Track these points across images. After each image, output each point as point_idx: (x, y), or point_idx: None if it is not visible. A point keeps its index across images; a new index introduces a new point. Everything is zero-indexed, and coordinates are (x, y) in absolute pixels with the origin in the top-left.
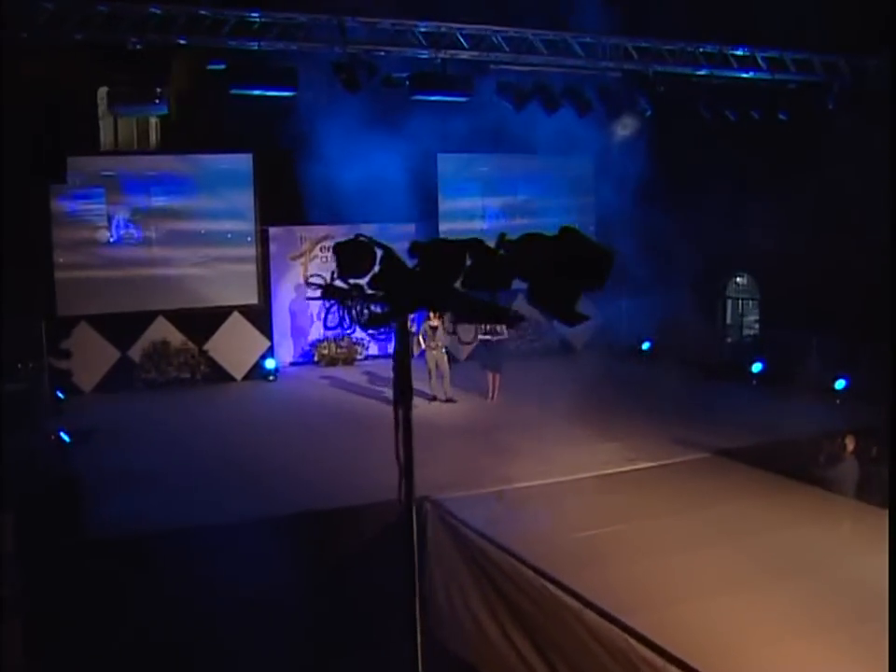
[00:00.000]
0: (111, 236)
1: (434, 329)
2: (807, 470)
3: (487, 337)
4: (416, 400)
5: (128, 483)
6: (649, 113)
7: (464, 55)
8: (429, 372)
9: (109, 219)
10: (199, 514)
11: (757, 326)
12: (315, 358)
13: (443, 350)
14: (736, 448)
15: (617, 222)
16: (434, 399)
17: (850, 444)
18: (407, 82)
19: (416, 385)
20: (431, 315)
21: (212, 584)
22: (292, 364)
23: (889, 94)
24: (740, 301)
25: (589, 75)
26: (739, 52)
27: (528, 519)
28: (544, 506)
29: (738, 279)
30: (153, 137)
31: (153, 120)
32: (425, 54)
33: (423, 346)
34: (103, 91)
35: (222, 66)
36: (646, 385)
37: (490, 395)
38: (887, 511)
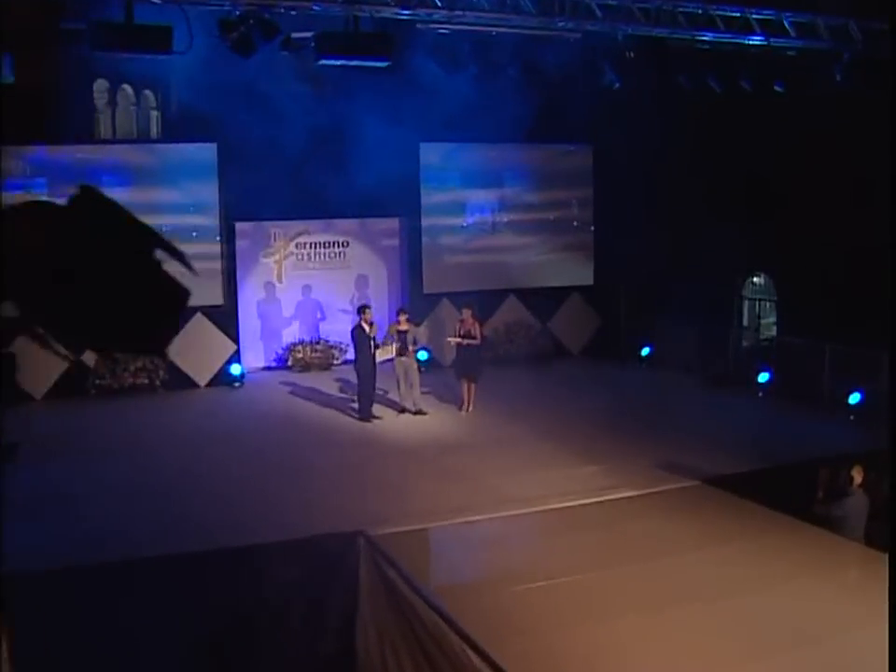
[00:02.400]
0: None
1: (402, 332)
2: (808, 506)
3: (458, 340)
4: (384, 412)
5: (30, 511)
6: (617, 85)
7: (385, 12)
8: (398, 381)
9: None
10: (89, 552)
11: (775, 329)
12: (290, 362)
13: (416, 355)
14: (728, 475)
15: (619, 216)
16: (403, 410)
17: (858, 476)
18: (312, 44)
19: (393, 395)
20: (399, 317)
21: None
22: (265, 368)
23: (891, 88)
24: (757, 303)
25: (542, 37)
26: (728, 13)
27: (470, 563)
28: (492, 546)
29: (755, 279)
30: (154, 129)
31: (154, 113)
32: (337, 11)
33: (392, 353)
34: (102, 83)
35: (81, 26)
36: (639, 396)
37: (464, 406)
38: None
